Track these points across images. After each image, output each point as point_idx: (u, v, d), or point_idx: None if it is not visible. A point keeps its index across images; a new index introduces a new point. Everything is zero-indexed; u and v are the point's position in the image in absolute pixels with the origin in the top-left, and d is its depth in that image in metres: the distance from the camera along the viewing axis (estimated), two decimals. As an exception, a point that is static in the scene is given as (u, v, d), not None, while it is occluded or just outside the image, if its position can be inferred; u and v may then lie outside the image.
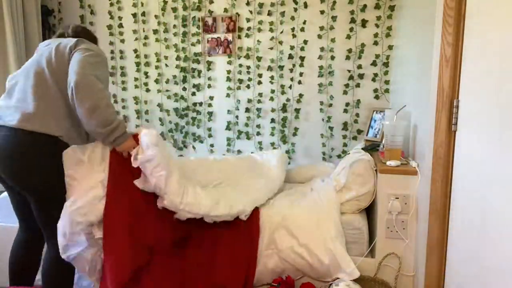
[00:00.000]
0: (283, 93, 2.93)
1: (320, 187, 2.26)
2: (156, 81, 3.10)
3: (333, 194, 2.08)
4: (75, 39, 1.78)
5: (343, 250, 1.91)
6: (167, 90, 3.10)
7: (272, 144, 3.00)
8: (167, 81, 3.08)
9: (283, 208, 2.09)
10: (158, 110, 3.13)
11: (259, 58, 2.92)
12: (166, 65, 3.07)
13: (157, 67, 3.08)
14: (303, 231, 1.96)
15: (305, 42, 2.83)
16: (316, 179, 2.47)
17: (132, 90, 3.16)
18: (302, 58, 2.86)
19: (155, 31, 3.03)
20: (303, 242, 1.94)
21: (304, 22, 2.81)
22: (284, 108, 2.93)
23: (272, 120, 2.96)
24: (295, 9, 2.82)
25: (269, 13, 2.85)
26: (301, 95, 2.89)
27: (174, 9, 2.97)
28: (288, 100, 2.92)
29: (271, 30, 2.86)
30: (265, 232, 2.00)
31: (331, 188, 2.13)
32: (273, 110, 2.96)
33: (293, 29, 2.84)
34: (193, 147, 3.13)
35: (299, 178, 2.66)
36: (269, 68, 2.91)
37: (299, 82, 2.89)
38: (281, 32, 2.86)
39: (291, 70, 2.89)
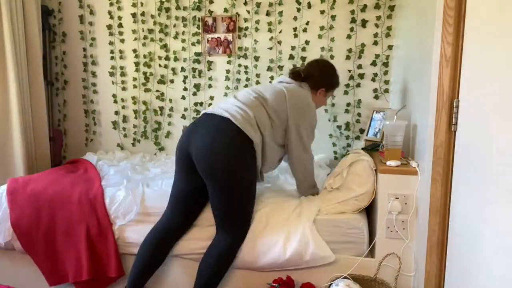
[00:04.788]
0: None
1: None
2: (161, 81, 3.10)
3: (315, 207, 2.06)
4: (291, 106, 2.01)
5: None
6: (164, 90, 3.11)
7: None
8: (172, 81, 3.09)
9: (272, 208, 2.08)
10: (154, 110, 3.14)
11: (256, 58, 2.92)
12: (166, 65, 3.07)
13: (166, 66, 3.09)
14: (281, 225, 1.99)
15: (307, 42, 2.83)
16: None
17: (131, 90, 3.16)
18: (303, 59, 2.85)
19: (152, 31, 3.03)
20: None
21: (307, 23, 2.81)
22: None
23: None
24: (298, 9, 2.82)
25: (267, 13, 2.85)
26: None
27: (170, 9, 2.97)
28: None
29: (269, 30, 2.86)
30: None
31: (316, 200, 2.12)
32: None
33: (295, 29, 2.84)
34: None
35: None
36: (269, 68, 2.91)
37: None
38: (280, 32, 2.86)
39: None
